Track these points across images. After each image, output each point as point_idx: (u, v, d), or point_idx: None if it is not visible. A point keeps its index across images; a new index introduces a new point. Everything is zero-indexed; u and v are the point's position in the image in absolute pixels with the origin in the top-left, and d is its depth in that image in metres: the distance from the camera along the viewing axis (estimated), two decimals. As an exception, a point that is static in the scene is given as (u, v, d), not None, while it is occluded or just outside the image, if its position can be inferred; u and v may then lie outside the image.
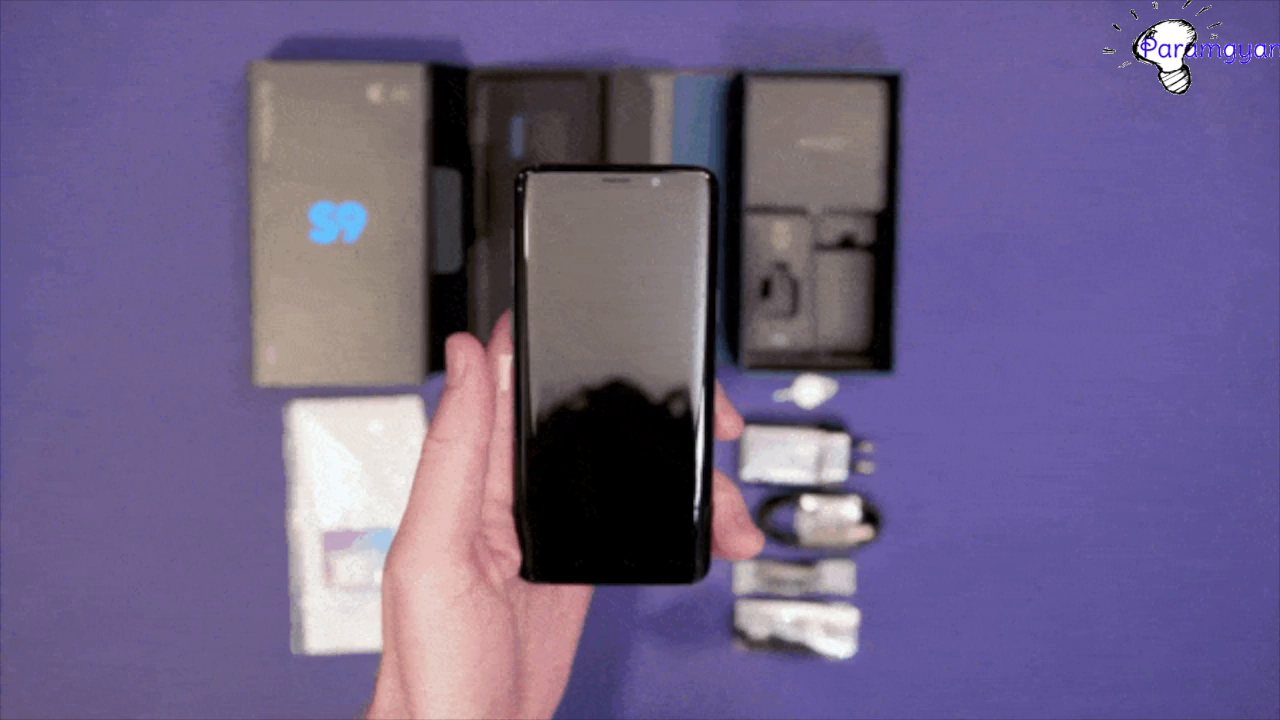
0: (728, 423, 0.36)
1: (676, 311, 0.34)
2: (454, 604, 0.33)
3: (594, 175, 0.34)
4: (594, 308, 0.34)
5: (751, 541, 0.36)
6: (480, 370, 0.34)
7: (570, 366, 0.34)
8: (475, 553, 0.34)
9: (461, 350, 0.34)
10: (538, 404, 0.35)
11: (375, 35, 0.61)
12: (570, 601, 0.38)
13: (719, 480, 0.36)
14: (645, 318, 0.34)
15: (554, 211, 0.34)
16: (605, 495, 0.35)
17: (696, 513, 0.35)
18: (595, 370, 0.34)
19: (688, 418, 0.35)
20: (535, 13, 0.61)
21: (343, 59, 0.59)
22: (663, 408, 0.35)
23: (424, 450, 0.34)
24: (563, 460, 0.35)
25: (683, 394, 0.35)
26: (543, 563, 0.35)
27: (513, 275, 0.34)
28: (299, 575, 0.61)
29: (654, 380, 0.34)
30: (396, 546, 0.34)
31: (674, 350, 0.34)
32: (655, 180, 0.34)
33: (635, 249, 0.34)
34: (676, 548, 0.35)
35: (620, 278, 0.34)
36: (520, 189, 0.34)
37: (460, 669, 0.33)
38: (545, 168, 0.34)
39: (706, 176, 0.34)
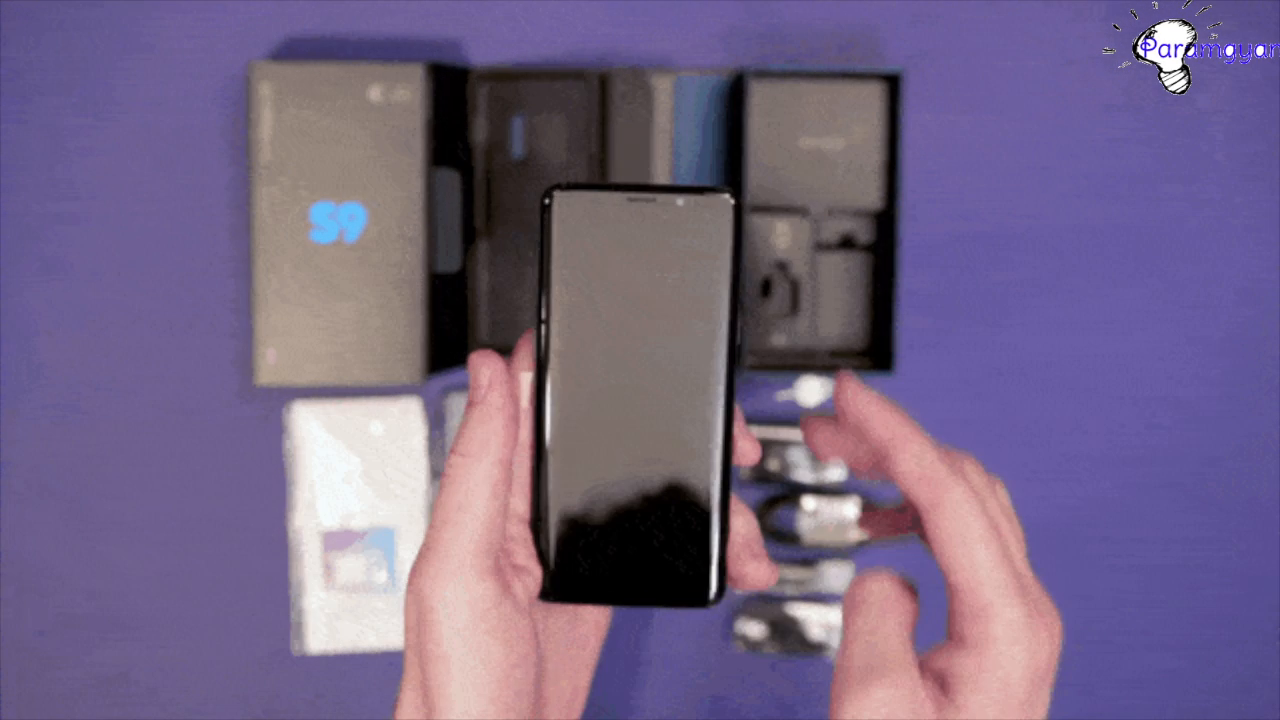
0: (746, 447, 0.36)
1: (698, 332, 0.34)
2: (480, 618, 0.33)
3: (619, 194, 0.34)
4: (616, 327, 0.34)
5: (763, 570, 0.36)
6: (504, 385, 0.35)
7: (591, 385, 0.35)
8: (500, 568, 0.34)
9: (485, 365, 0.35)
10: (558, 422, 0.35)
11: (375, 35, 0.61)
12: (591, 625, 0.38)
13: (735, 505, 0.36)
14: (667, 338, 0.34)
15: (579, 229, 0.34)
16: (623, 516, 0.35)
17: (714, 536, 0.35)
18: (616, 390, 0.35)
19: (707, 440, 0.35)
20: (535, 13, 0.61)
21: (343, 59, 0.59)
22: (682, 428, 0.35)
23: (448, 465, 0.34)
24: (581, 480, 0.35)
25: (703, 416, 0.35)
26: (559, 582, 0.35)
27: (537, 292, 0.34)
28: (299, 575, 0.61)
29: (674, 402, 0.35)
30: (422, 561, 0.34)
31: (695, 371, 0.35)
32: (679, 200, 0.34)
33: (659, 269, 0.34)
34: (693, 570, 0.35)
35: (643, 297, 0.34)
36: (546, 206, 0.34)
37: (485, 684, 0.33)
38: (572, 186, 0.34)
39: (730, 198, 0.34)
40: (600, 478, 0.35)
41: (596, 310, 0.34)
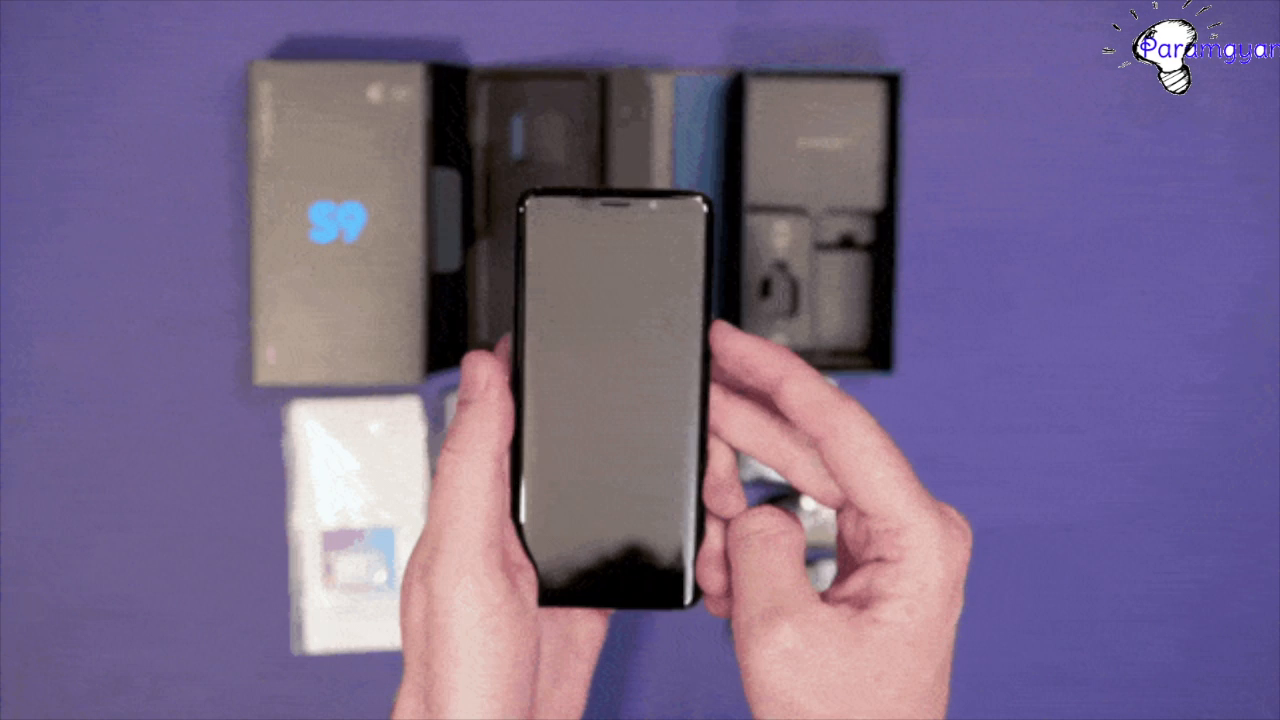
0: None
1: (672, 336, 0.35)
2: (492, 613, 0.33)
3: (593, 199, 0.34)
4: (592, 331, 0.35)
5: (716, 577, 0.36)
6: (502, 384, 0.35)
7: (566, 391, 0.35)
8: (507, 564, 0.34)
9: (483, 364, 0.35)
10: (533, 429, 0.35)
11: (375, 35, 0.61)
12: (585, 635, 0.38)
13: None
14: (642, 341, 0.35)
15: (554, 234, 0.34)
16: (601, 522, 0.35)
17: (690, 539, 0.35)
18: (591, 396, 0.35)
19: (682, 444, 0.35)
20: (535, 13, 0.61)
21: (343, 59, 0.59)
22: (657, 433, 0.35)
23: (442, 463, 0.34)
24: (559, 485, 0.35)
25: (677, 419, 0.35)
26: (540, 587, 0.36)
27: (513, 297, 0.35)
28: (299, 575, 0.61)
29: (649, 406, 0.35)
30: (430, 560, 0.34)
31: (669, 376, 0.35)
32: (653, 204, 0.34)
33: (633, 272, 0.35)
34: (669, 574, 0.36)
35: (618, 301, 0.35)
36: (521, 212, 0.34)
37: (493, 681, 0.33)
38: (546, 191, 0.34)
39: (702, 201, 0.34)
40: (577, 484, 0.35)
41: (572, 315, 0.35)
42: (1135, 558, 0.63)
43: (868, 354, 0.61)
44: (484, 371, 0.35)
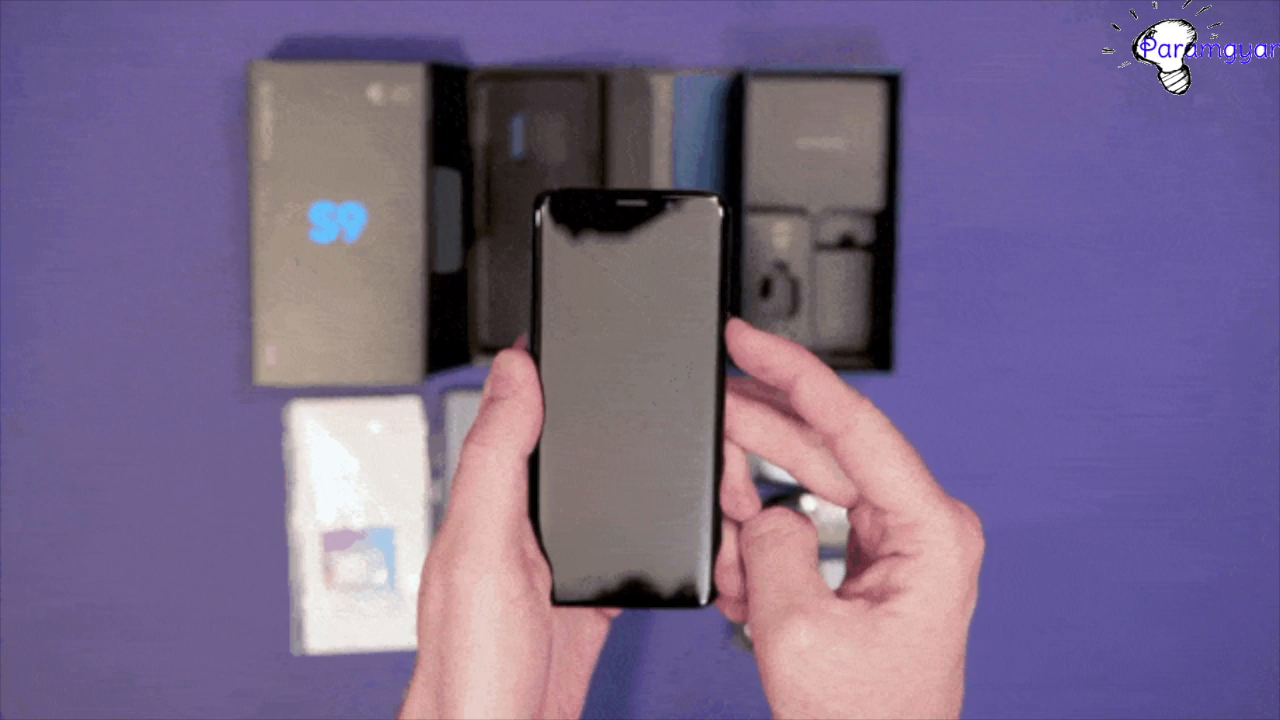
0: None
1: (688, 336, 0.35)
2: (512, 607, 0.33)
3: (608, 198, 0.34)
4: (608, 332, 0.35)
5: (733, 580, 0.36)
6: (535, 384, 0.35)
7: (583, 391, 0.35)
8: (526, 560, 0.34)
9: (519, 362, 0.35)
10: (552, 428, 0.35)
11: (375, 35, 0.61)
12: (589, 635, 0.38)
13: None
14: (658, 341, 0.35)
15: (569, 234, 0.35)
16: (617, 520, 0.35)
17: (707, 539, 0.35)
18: (608, 395, 0.35)
19: (699, 445, 0.35)
20: (535, 13, 0.61)
21: (343, 59, 0.59)
22: (674, 433, 0.35)
23: (466, 456, 0.34)
24: (576, 485, 0.35)
25: (694, 420, 0.35)
26: (556, 585, 0.36)
27: (529, 296, 0.35)
28: (299, 575, 0.61)
29: (666, 406, 0.35)
30: (451, 552, 0.34)
31: (686, 377, 0.35)
32: (668, 204, 0.34)
33: (649, 273, 0.35)
34: (686, 573, 0.36)
35: (634, 302, 0.35)
36: (536, 211, 0.34)
37: (510, 676, 0.33)
38: (561, 192, 0.35)
39: (718, 202, 0.34)
40: (593, 483, 0.35)
41: (588, 315, 0.35)
42: (1135, 557, 0.63)
43: (868, 354, 0.61)
44: (519, 369, 0.35)
